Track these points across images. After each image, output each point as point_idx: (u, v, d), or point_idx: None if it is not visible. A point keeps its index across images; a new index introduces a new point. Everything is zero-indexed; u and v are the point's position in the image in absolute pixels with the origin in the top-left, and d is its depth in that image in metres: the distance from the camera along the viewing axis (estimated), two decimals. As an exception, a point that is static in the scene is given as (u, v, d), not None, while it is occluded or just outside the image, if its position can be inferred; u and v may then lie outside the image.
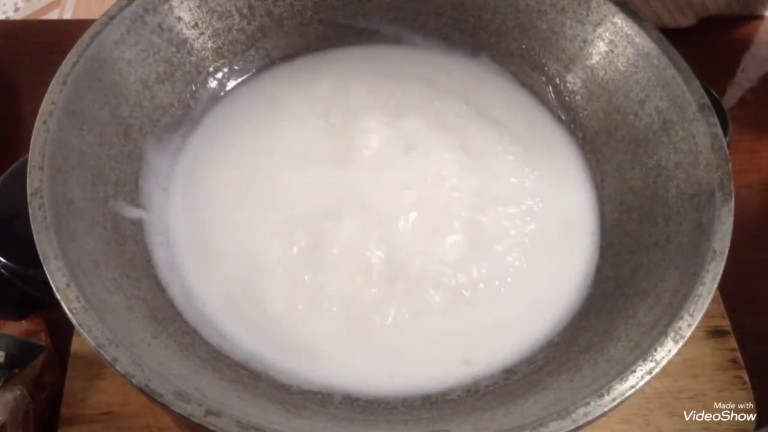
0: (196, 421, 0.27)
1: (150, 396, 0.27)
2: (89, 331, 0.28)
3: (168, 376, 0.28)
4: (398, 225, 0.39)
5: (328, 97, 0.44)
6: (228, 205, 0.40)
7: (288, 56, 0.46)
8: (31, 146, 0.33)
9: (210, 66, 0.44)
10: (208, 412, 0.27)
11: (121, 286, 0.33)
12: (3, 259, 0.40)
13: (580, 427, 0.28)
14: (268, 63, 0.46)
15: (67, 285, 0.29)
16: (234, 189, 0.41)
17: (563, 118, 0.44)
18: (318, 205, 0.40)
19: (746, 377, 0.43)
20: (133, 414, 0.40)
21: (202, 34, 0.43)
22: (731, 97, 0.62)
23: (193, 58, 0.43)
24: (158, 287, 0.36)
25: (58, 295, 0.29)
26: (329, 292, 0.37)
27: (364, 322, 0.37)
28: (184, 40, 0.42)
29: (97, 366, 0.41)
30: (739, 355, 0.44)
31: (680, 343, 0.29)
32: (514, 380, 0.35)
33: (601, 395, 0.28)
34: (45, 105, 0.34)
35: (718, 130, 0.35)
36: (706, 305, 0.30)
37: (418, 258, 0.38)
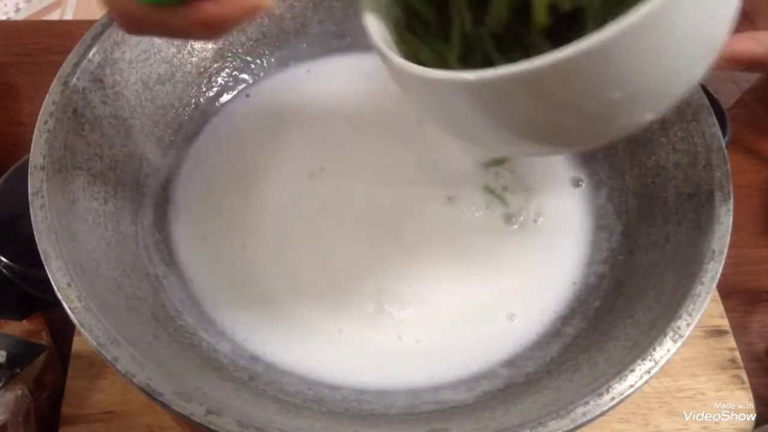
0: (197, 420, 0.27)
1: (151, 395, 0.27)
2: (90, 331, 0.29)
3: (169, 376, 0.28)
4: (394, 227, 0.40)
5: (328, 102, 0.45)
6: (229, 204, 0.41)
7: (288, 58, 0.46)
8: (32, 146, 0.33)
9: (211, 67, 0.44)
10: (209, 412, 0.27)
11: (122, 285, 0.34)
12: (4, 259, 0.41)
13: (579, 427, 0.28)
14: (269, 64, 0.46)
15: (68, 285, 0.29)
16: (235, 190, 0.41)
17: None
18: (320, 207, 0.40)
19: (745, 377, 0.44)
20: (134, 413, 0.40)
21: (202, 34, 0.43)
22: (730, 97, 0.62)
23: (194, 59, 0.43)
24: (159, 287, 0.37)
25: (59, 295, 0.29)
26: (330, 294, 0.38)
27: (365, 323, 0.37)
28: (185, 41, 0.42)
29: (98, 365, 0.41)
30: (737, 354, 0.44)
31: (679, 343, 0.29)
32: (513, 380, 0.35)
33: (600, 394, 0.28)
34: (46, 105, 0.34)
35: (717, 130, 0.35)
36: (704, 305, 0.30)
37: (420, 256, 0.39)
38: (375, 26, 0.27)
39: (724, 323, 0.45)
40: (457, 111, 0.25)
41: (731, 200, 0.33)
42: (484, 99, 0.24)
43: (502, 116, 0.25)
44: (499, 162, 0.42)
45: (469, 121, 0.26)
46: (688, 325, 0.30)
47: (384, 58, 0.26)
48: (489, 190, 0.41)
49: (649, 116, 0.25)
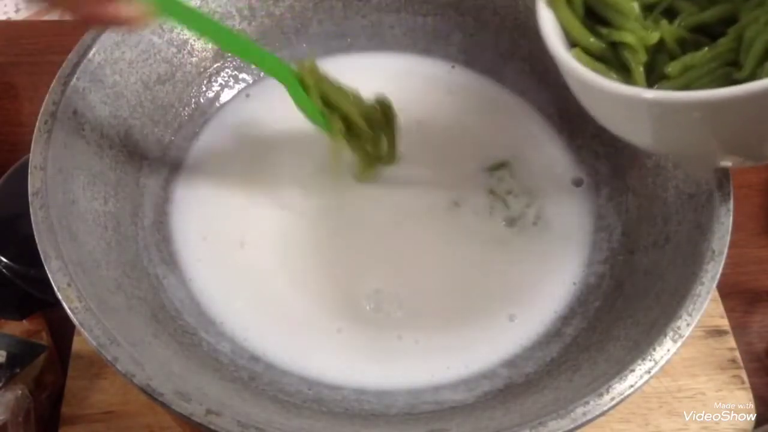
0: (197, 420, 0.27)
1: (151, 395, 0.27)
2: (90, 331, 0.28)
3: (169, 376, 0.28)
4: (392, 228, 0.40)
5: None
6: (229, 205, 0.41)
7: (288, 58, 0.46)
8: (32, 146, 0.33)
9: (211, 67, 0.44)
10: (209, 412, 0.27)
11: (122, 285, 0.34)
12: (4, 259, 0.41)
13: (579, 426, 0.28)
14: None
15: (68, 285, 0.29)
16: (235, 190, 0.41)
17: (561, 119, 0.44)
18: (321, 207, 0.41)
19: (745, 377, 0.43)
20: (134, 413, 0.40)
21: (202, 34, 0.43)
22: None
23: (194, 59, 0.43)
24: (159, 287, 0.37)
25: (59, 295, 0.29)
26: (330, 294, 0.38)
27: (365, 323, 0.37)
28: (185, 41, 0.42)
29: (98, 365, 0.41)
30: (737, 354, 0.44)
31: (679, 343, 0.29)
32: (513, 380, 0.35)
33: (600, 394, 0.28)
34: (46, 105, 0.34)
35: (717, 130, 0.35)
36: (704, 305, 0.30)
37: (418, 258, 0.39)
38: (564, 53, 0.31)
39: (724, 323, 0.45)
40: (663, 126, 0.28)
41: (731, 200, 0.33)
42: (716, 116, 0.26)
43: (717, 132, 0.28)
44: (502, 165, 0.42)
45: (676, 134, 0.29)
46: (688, 325, 0.30)
47: (584, 78, 0.29)
48: (493, 194, 0.41)
49: None
